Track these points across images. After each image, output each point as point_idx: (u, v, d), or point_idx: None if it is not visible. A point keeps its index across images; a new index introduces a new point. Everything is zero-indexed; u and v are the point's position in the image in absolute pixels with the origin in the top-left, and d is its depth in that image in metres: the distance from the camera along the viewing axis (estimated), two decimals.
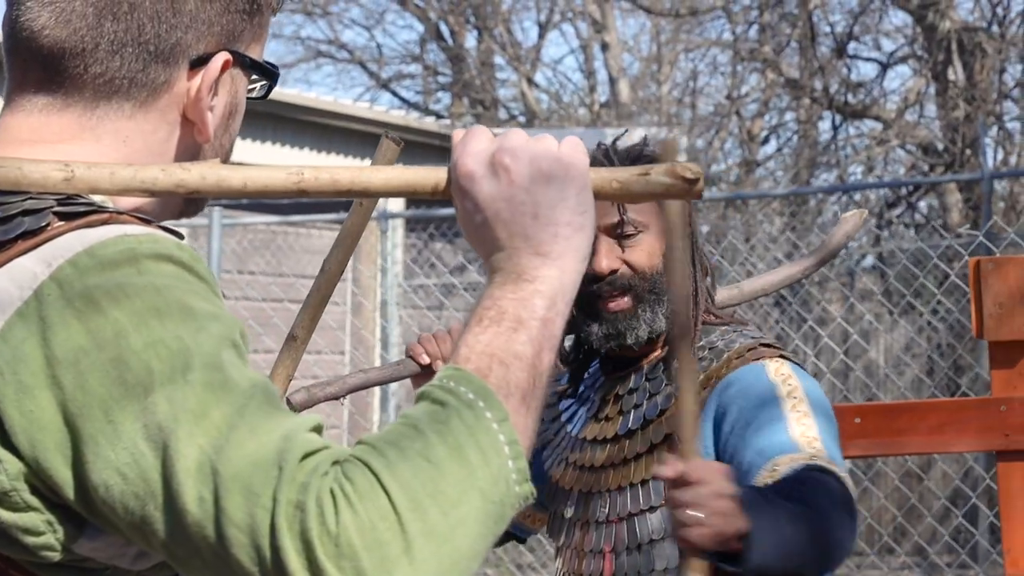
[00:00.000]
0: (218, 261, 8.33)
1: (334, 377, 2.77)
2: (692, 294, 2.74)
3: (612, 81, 17.90)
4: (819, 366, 10.04)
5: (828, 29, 14.37)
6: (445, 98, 19.90)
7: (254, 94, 1.68)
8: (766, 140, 16.07)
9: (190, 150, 1.60)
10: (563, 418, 2.91)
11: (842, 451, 2.65)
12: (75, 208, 1.46)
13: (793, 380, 2.66)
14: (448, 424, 1.33)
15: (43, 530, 1.40)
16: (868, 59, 15.01)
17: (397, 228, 10.16)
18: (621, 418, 2.77)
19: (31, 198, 1.46)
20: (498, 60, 19.44)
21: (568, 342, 2.90)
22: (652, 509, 2.71)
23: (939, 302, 9.44)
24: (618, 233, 2.72)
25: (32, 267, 1.41)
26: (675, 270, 2.25)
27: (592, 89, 18.82)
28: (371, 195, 1.39)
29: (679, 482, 2.32)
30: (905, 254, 9.09)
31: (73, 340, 1.36)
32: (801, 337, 9.59)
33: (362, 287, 10.97)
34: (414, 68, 20.48)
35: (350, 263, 11.21)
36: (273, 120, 12.09)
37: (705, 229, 12.97)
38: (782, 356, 2.72)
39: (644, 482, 2.71)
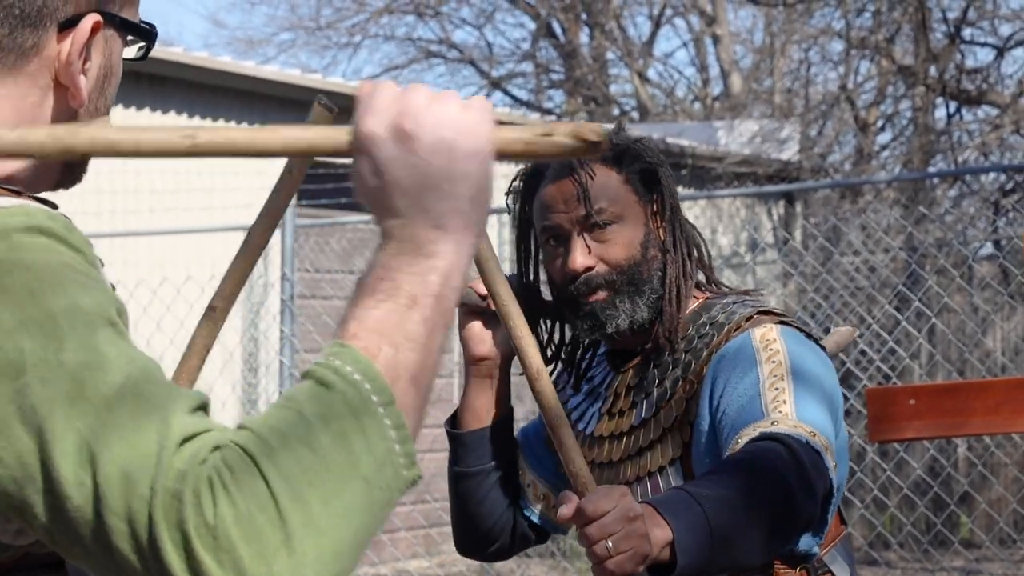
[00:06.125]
0: (291, 260, 8.29)
1: None
2: (672, 278, 2.67)
3: (724, 74, 17.74)
4: (935, 355, 9.87)
5: (941, 15, 14.09)
6: (557, 96, 19.90)
7: (131, 55, 1.64)
8: (882, 129, 15.80)
9: (64, 115, 1.56)
10: (573, 416, 2.83)
11: (832, 416, 2.54)
12: None
13: (776, 345, 2.57)
14: (332, 408, 1.29)
15: None
16: (984, 44, 14.69)
17: (506, 224, 10.11)
18: (634, 411, 2.71)
19: None
20: (609, 56, 19.37)
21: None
22: None
23: None
24: (590, 225, 2.64)
25: None
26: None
27: (705, 83, 18.66)
28: (270, 156, 1.35)
29: (579, 519, 2.24)
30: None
31: None
32: (918, 326, 9.41)
33: None
34: (525, 66, 20.49)
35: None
36: None
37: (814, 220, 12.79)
38: (781, 322, 2.63)
39: (661, 469, 2.64)
